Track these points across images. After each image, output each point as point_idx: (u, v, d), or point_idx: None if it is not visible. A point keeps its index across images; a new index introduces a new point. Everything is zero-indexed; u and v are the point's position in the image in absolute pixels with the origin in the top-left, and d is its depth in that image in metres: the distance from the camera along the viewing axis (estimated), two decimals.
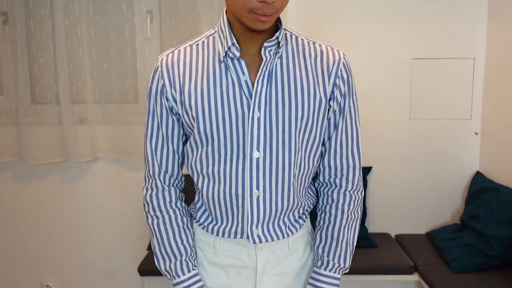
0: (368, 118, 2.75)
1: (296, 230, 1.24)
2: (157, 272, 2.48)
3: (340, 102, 1.17)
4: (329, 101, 1.15)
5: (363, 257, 2.54)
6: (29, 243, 2.94)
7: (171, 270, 1.20)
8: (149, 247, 2.73)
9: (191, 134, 1.15)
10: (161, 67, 1.14)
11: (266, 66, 1.10)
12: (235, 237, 1.19)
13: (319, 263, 1.23)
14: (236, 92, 1.09)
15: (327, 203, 1.24)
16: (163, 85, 1.13)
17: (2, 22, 2.71)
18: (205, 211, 1.22)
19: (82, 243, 2.93)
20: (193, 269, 1.21)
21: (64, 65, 2.68)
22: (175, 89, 1.13)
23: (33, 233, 2.93)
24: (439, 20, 2.76)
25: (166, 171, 1.20)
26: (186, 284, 1.19)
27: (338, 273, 1.24)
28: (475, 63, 2.80)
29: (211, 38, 1.15)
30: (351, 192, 1.23)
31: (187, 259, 1.20)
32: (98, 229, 2.92)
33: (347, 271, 1.25)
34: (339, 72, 1.15)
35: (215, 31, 1.15)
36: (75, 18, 2.68)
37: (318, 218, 1.26)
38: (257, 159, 1.12)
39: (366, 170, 2.83)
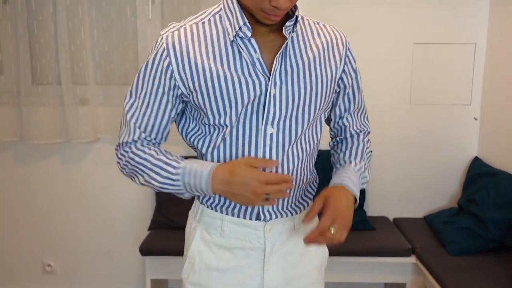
0: (368, 102, 2.74)
1: (304, 208, 1.28)
2: (158, 252, 2.53)
3: (349, 78, 1.26)
4: (339, 79, 1.23)
5: (361, 239, 2.57)
6: (30, 223, 2.97)
7: (169, 172, 1.13)
8: (150, 227, 2.76)
9: (204, 115, 1.14)
10: (167, 45, 1.10)
11: (286, 44, 1.12)
12: (244, 214, 1.20)
13: (346, 165, 1.28)
14: (251, 71, 1.10)
15: (346, 141, 1.35)
16: (169, 64, 1.10)
17: (3, 1, 2.69)
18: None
19: (83, 223, 2.96)
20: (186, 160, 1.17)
21: (65, 46, 2.68)
22: (184, 71, 1.11)
23: (34, 213, 2.95)
24: (441, 5, 2.75)
25: (149, 141, 1.18)
26: (190, 164, 1.13)
27: (360, 183, 1.27)
28: (476, 48, 2.80)
29: (217, 16, 1.12)
30: (365, 136, 1.37)
31: (176, 156, 1.16)
32: (99, 209, 2.94)
33: (360, 189, 1.27)
34: (347, 52, 1.23)
35: (220, 9, 1.13)
36: None
37: (337, 150, 1.35)
38: (271, 135, 1.14)
39: None
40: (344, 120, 1.33)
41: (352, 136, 1.35)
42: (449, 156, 2.89)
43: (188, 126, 1.21)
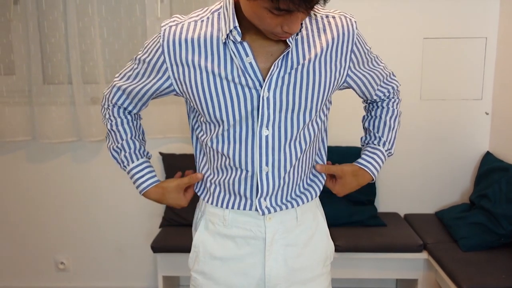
0: None
1: (306, 200, 1.26)
2: (170, 249, 2.54)
3: (360, 75, 1.24)
4: (345, 73, 1.19)
5: (373, 235, 2.57)
6: (43, 221, 3.00)
7: (122, 161, 1.30)
8: (161, 225, 2.78)
9: (202, 115, 1.17)
10: (163, 42, 1.12)
11: (288, 51, 1.09)
12: (244, 209, 1.22)
13: (376, 141, 1.35)
14: (240, 75, 1.10)
15: (377, 105, 1.38)
16: (163, 62, 1.13)
17: (13, 2, 2.72)
18: (215, 186, 1.25)
19: (96, 221, 2.99)
20: (141, 158, 1.30)
21: (76, 45, 2.70)
22: (178, 71, 1.13)
23: (46, 211, 2.99)
24: None
25: (125, 109, 1.30)
26: (135, 170, 1.29)
27: (387, 156, 1.35)
28: (486, 42, 2.78)
29: (216, 14, 1.12)
30: (396, 97, 1.38)
31: (136, 151, 1.29)
32: (111, 207, 2.97)
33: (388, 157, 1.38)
34: (354, 47, 1.18)
35: (221, 7, 1.12)
36: None
37: (370, 111, 1.39)
38: (266, 136, 1.15)
39: None
40: (375, 97, 1.34)
41: (382, 100, 1.37)
42: (460, 151, 2.88)
43: (192, 118, 1.27)
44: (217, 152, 1.19)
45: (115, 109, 1.29)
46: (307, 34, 1.12)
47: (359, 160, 1.34)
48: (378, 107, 1.36)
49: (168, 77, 1.15)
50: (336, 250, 2.45)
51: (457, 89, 2.82)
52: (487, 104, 2.84)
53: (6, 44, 2.78)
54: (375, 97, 1.33)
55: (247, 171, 1.18)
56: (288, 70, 1.11)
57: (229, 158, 1.18)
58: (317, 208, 1.33)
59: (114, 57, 2.80)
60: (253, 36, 1.09)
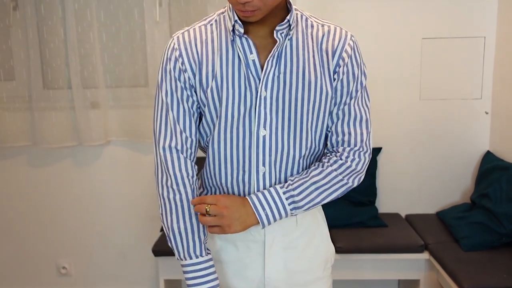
0: (377, 98, 2.74)
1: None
2: (171, 253, 2.54)
3: (344, 82, 1.17)
4: (334, 80, 1.18)
5: (374, 236, 2.57)
6: (44, 226, 3.00)
7: (183, 250, 1.18)
8: (162, 228, 2.77)
9: (204, 113, 1.19)
10: (179, 45, 1.17)
11: (277, 48, 1.14)
12: None
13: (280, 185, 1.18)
14: (242, 71, 1.14)
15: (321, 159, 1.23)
16: (182, 63, 1.16)
17: (12, 7, 2.73)
18: (215, 190, 1.26)
19: (97, 225, 2.99)
20: (207, 254, 1.19)
21: (75, 50, 2.71)
22: (192, 69, 1.16)
23: (48, 216, 2.99)
24: None
25: (189, 136, 1.18)
26: (200, 266, 1.18)
27: (286, 199, 1.16)
28: (485, 42, 2.78)
29: (221, 17, 1.19)
30: (355, 166, 1.20)
31: (204, 241, 1.19)
32: (112, 211, 2.97)
33: (295, 212, 1.17)
34: (343, 53, 1.17)
35: (225, 10, 1.19)
36: (85, 2, 2.69)
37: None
38: (264, 136, 1.16)
39: (376, 151, 2.84)
40: (334, 127, 1.20)
41: (333, 151, 1.20)
42: (461, 151, 2.87)
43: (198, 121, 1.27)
44: (215, 152, 1.20)
45: (183, 166, 1.18)
46: (303, 37, 1.17)
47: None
48: (318, 161, 1.22)
49: (186, 71, 1.16)
50: (337, 252, 2.45)
51: (456, 89, 2.82)
52: (486, 103, 2.83)
53: (6, 50, 2.79)
54: (333, 128, 1.20)
55: (243, 171, 1.19)
56: (282, 70, 1.14)
57: (226, 158, 1.19)
58: (317, 211, 1.33)
59: (113, 61, 2.80)
60: (254, 35, 1.14)
